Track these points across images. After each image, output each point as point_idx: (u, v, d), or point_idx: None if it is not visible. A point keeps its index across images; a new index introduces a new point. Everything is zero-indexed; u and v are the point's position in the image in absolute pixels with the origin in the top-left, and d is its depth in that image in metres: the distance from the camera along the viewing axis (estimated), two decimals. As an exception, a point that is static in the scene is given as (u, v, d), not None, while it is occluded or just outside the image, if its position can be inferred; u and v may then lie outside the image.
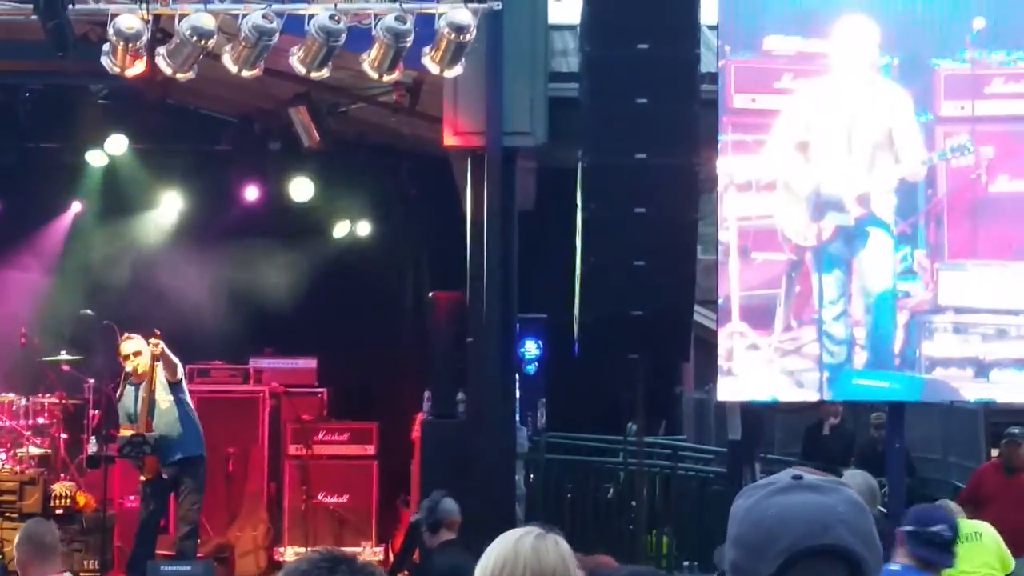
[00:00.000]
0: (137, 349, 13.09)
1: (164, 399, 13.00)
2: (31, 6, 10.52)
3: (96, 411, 14.87)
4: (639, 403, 12.75)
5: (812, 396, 12.61)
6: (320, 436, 15.88)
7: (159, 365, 12.88)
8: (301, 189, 16.43)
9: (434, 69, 11.03)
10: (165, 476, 13.01)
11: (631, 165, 11.54)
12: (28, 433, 15.20)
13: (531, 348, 15.32)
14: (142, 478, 13.10)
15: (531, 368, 15.41)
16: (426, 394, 13.80)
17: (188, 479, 13.07)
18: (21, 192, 16.64)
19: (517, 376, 13.46)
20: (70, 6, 10.56)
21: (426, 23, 10.76)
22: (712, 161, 11.97)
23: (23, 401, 15.33)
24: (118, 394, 13.40)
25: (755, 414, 13.68)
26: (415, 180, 16.56)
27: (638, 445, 13.35)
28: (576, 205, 11.86)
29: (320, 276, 16.49)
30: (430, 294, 14.51)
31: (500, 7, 11.03)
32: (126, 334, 13.27)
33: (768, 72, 12.03)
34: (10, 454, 14.84)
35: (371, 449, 15.86)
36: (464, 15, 10.71)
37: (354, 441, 15.91)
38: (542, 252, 13.32)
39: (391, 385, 16.40)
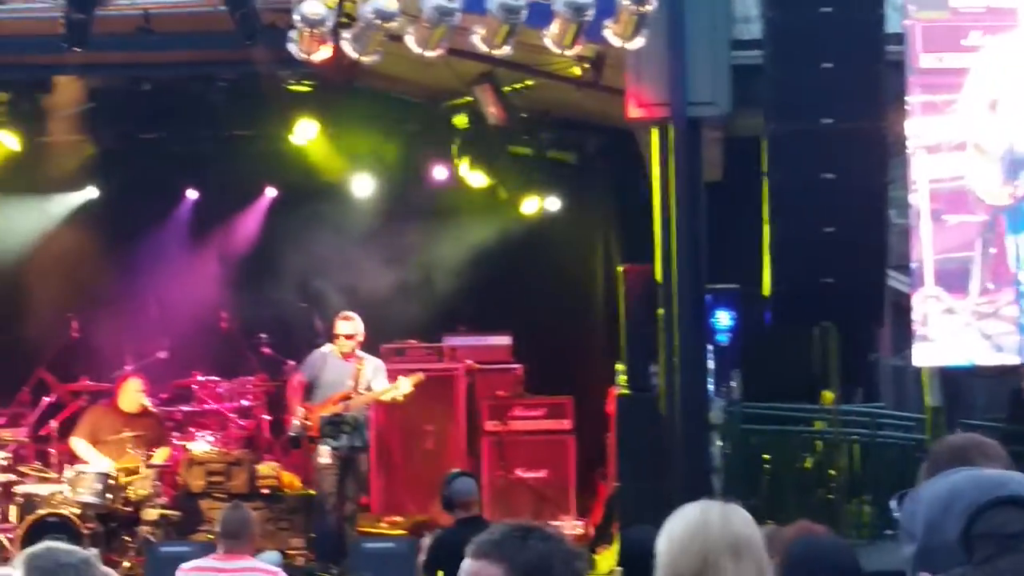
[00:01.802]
0: (351, 332, 13.42)
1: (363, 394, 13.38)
2: (219, -3, 10.75)
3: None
4: (834, 371, 12.60)
5: (1012, 360, 12.32)
6: (516, 412, 15.96)
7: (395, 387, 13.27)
8: (488, 173, 16.53)
9: (616, 42, 10.99)
10: (330, 460, 13.28)
11: (818, 131, 11.41)
12: (233, 415, 15.57)
13: (724, 319, 15.18)
14: (324, 460, 13.35)
15: (724, 339, 15.28)
16: (619, 367, 13.81)
17: (361, 464, 13.40)
18: (217, 179, 17.04)
19: (710, 347, 13.39)
20: (256, -5, 10.77)
21: (607, -4, 10.73)
22: (900, 123, 11.76)
23: (227, 384, 15.72)
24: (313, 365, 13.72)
25: (955, 379, 13.44)
26: (601, 154, 16.54)
27: (835, 413, 13.19)
28: (763, 173, 11.75)
29: (511, 252, 16.56)
30: (620, 268, 14.50)
31: (680, -24, 10.97)
32: (343, 313, 13.60)
33: (956, 30, 11.78)
34: (217, 435, 15.22)
35: (567, 424, 15.89)
36: (645, -14, 10.65)
37: (550, 416, 15.95)
38: (731, 222, 13.22)
39: (585, 359, 16.43)
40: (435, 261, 16.40)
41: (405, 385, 13.43)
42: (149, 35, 11.99)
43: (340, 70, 13.63)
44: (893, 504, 3.59)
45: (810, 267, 11.51)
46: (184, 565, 9.07)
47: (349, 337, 13.47)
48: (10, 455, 14.48)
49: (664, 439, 12.22)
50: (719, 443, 13.92)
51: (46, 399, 15.63)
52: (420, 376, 13.65)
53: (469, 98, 15.15)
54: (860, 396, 16.49)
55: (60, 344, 16.15)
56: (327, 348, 13.66)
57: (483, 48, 11.05)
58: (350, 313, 13.67)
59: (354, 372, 13.45)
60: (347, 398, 13.36)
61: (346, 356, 13.49)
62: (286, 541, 14.26)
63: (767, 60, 11.74)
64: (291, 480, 14.77)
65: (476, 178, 16.55)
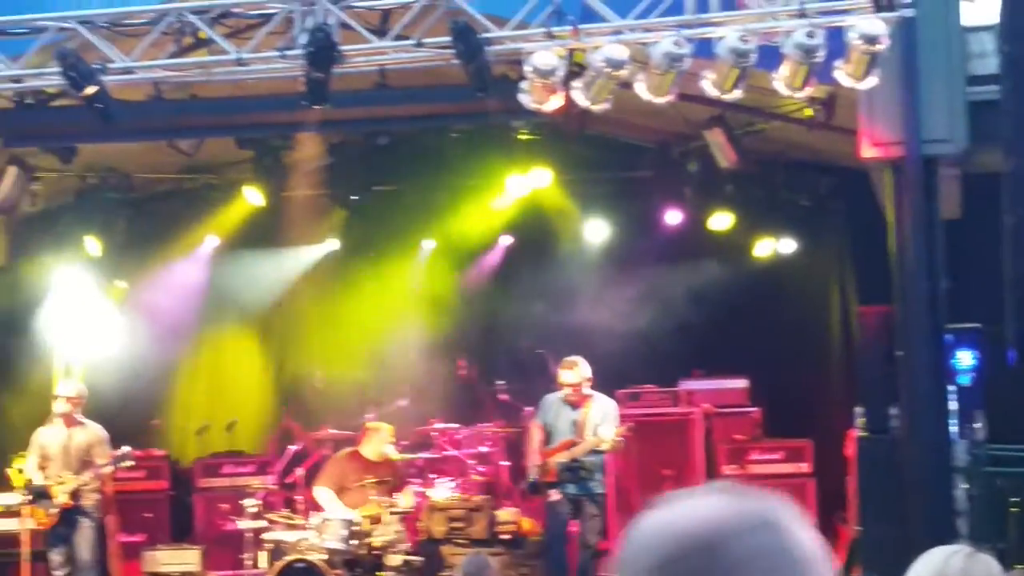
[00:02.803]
0: (573, 380, 13.46)
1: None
2: (453, 51, 10.94)
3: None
4: (1083, 411, 12.25)
5: None
6: (754, 455, 15.85)
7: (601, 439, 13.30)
8: (721, 216, 16.50)
9: (847, 82, 10.89)
10: (559, 506, 13.38)
11: (1059, 166, 11.15)
12: (472, 461, 15.74)
13: (966, 359, 14.88)
14: (553, 506, 13.46)
15: (966, 379, 14.96)
16: (857, 410, 13.62)
17: (593, 509, 13.42)
18: (453, 228, 17.30)
19: (952, 388, 13.13)
20: (487, 47, 10.93)
21: (836, 36, 10.65)
22: None
23: (465, 430, 15.90)
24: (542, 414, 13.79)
25: None
26: (835, 194, 16.38)
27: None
28: (1004, 210, 11.51)
29: (745, 295, 16.46)
30: (858, 309, 14.31)
31: (912, 14, 10.81)
32: (565, 360, 13.65)
33: None
34: (456, 482, 15.39)
35: (806, 467, 15.72)
36: (876, 25, 10.54)
37: (789, 459, 15.80)
38: (971, 260, 12.97)
39: (822, 402, 16.24)
40: (669, 305, 16.37)
41: (608, 435, 13.38)
42: (385, 91, 12.27)
43: (571, 118, 13.76)
44: None
45: (1054, 305, 11.23)
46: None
47: (572, 386, 13.51)
48: (259, 502, 14.87)
49: (906, 482, 12.01)
50: (963, 486, 13.62)
51: (292, 447, 16.02)
52: (624, 428, 13.53)
53: (700, 142, 15.16)
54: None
55: (304, 393, 16.55)
56: (558, 393, 13.74)
57: (713, 92, 11.05)
58: (572, 359, 13.64)
59: (580, 418, 13.49)
60: (571, 445, 13.42)
61: (572, 402, 13.52)
62: (527, 586, 14.38)
63: (1005, 95, 11.51)
64: (531, 526, 14.86)
65: (709, 222, 16.54)
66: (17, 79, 11.54)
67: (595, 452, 13.46)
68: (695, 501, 2.15)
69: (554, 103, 11.19)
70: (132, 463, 14.20)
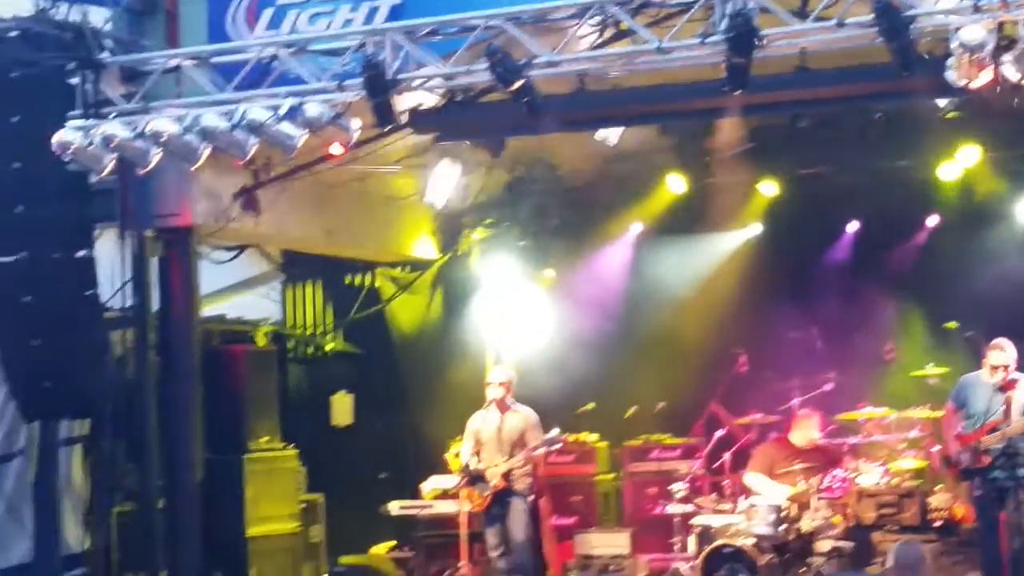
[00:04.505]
0: (1005, 362, 13.07)
1: None
2: (876, 30, 10.77)
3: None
4: None
5: None
6: None
7: None
8: None
9: None
10: (983, 492, 12.98)
11: None
12: (902, 447, 15.49)
13: None
14: (978, 492, 13.11)
15: None
16: None
17: None
18: (877, 211, 17.04)
19: None
20: (912, 25, 10.72)
21: None
22: None
23: (894, 415, 15.65)
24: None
25: None
26: None
27: None
28: None
29: None
30: None
31: None
32: (995, 342, 13.29)
33: None
34: (886, 468, 15.18)
35: None
36: None
37: None
38: None
39: None
40: None
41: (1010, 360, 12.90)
42: (806, 73, 12.16)
43: (1001, 93, 13.34)
44: None
45: None
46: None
47: (1001, 367, 13.13)
48: (687, 487, 15.04)
49: None
50: None
51: (719, 432, 16.09)
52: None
53: None
54: None
55: (730, 378, 16.60)
56: (979, 373, 13.37)
57: None
58: (1002, 341, 13.27)
59: (1007, 400, 13.07)
60: (994, 428, 13.01)
61: (999, 384, 13.12)
62: (963, 575, 14.04)
63: None
64: (963, 512, 14.52)
65: None
66: (449, 77, 11.95)
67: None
68: None
69: (983, 79, 10.88)
70: (560, 446, 14.52)
